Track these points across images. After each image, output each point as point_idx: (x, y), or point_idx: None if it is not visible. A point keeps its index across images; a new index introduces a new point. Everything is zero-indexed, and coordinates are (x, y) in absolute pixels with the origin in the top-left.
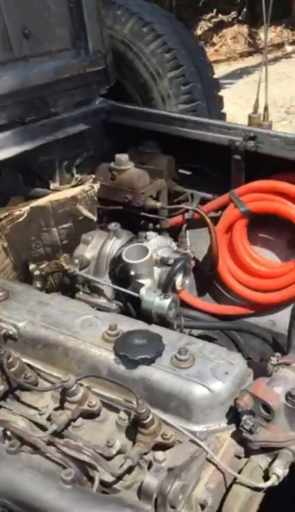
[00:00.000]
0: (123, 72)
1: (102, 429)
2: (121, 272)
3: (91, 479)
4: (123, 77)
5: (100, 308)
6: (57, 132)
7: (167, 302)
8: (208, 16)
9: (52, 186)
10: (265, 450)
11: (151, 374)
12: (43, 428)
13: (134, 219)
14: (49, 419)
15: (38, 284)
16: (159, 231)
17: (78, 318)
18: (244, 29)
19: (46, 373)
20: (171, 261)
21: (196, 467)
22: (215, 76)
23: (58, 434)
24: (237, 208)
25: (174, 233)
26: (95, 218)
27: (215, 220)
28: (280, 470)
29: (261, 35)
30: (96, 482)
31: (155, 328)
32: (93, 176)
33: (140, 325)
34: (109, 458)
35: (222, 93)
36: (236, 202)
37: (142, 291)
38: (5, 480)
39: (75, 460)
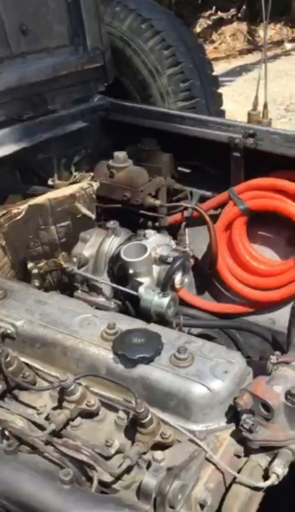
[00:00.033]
0: (121, 69)
1: (100, 428)
2: (119, 271)
3: (89, 479)
4: (122, 74)
5: (98, 307)
6: (55, 130)
7: (166, 300)
8: (207, 13)
9: (50, 182)
10: (264, 449)
11: (150, 373)
12: (41, 427)
13: (133, 217)
14: (47, 418)
15: (36, 283)
16: (158, 229)
17: (77, 316)
18: (243, 26)
19: (44, 372)
20: (170, 259)
21: (195, 467)
22: (214, 73)
23: (56, 433)
24: (237, 206)
25: (173, 231)
26: (93, 216)
27: (215, 218)
28: (279, 469)
29: (260, 33)
30: (95, 482)
31: (154, 327)
32: (92, 174)
33: (139, 323)
34: (107, 458)
35: (221, 90)
36: (235, 200)
37: (141, 289)
38: (3, 480)
39: (73, 459)
